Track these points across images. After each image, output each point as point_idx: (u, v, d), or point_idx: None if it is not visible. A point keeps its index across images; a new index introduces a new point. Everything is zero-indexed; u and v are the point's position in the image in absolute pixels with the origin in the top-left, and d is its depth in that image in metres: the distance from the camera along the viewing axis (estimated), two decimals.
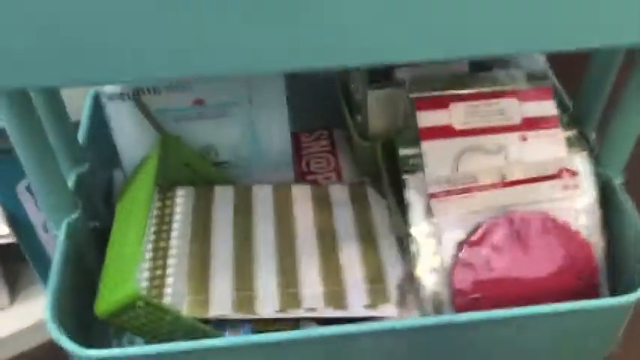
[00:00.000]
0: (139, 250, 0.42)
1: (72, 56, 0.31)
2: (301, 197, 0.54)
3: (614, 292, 0.49)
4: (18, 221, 0.82)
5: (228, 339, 0.41)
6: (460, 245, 0.48)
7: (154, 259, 0.48)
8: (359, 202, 0.55)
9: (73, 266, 0.47)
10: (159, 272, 0.48)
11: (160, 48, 0.32)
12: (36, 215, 0.84)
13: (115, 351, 0.40)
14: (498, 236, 0.48)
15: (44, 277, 0.91)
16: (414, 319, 0.46)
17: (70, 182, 0.50)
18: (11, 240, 0.80)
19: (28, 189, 0.81)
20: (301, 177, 0.61)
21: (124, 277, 0.41)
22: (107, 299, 0.42)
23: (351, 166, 0.62)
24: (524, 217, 0.48)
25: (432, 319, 0.43)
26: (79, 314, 0.48)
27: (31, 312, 0.93)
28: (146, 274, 0.47)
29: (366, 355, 0.44)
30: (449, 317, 0.44)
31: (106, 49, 0.31)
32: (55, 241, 0.47)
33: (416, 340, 0.44)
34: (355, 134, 0.58)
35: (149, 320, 0.43)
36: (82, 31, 0.31)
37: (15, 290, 0.93)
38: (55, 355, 0.92)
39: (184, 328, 0.43)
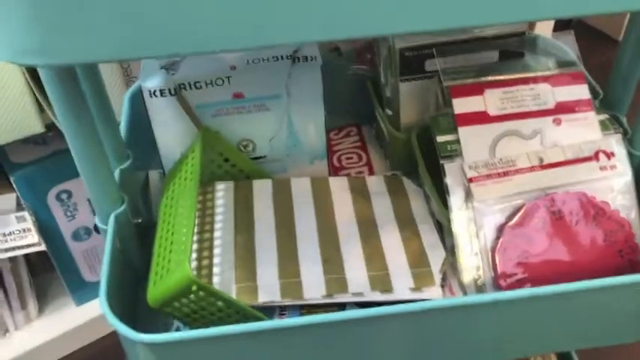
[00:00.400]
0: (189, 239, 0.43)
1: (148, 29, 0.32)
2: (339, 188, 0.55)
3: None
4: (48, 230, 0.83)
5: (284, 321, 0.42)
6: (501, 228, 0.49)
7: (199, 250, 0.49)
8: (396, 192, 0.55)
9: (120, 260, 0.48)
10: (205, 262, 0.48)
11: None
12: (65, 225, 0.85)
13: (171, 335, 0.41)
14: (538, 218, 0.48)
15: (72, 287, 0.92)
16: (459, 297, 0.46)
17: (115, 177, 0.51)
18: (41, 248, 0.81)
19: (59, 198, 0.83)
20: (334, 172, 0.62)
21: (177, 263, 0.42)
22: (160, 286, 0.43)
23: (382, 161, 0.63)
24: (564, 199, 0.49)
25: (475, 297, 0.44)
26: (126, 308, 0.49)
27: (59, 323, 0.93)
28: (193, 264, 0.48)
29: (410, 335, 0.45)
30: (493, 295, 0.44)
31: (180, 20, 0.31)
32: (104, 236, 0.48)
33: (459, 319, 0.44)
34: (389, 126, 0.59)
35: (200, 307, 0.44)
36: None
37: (43, 302, 0.94)
38: None
39: (236, 313, 0.44)
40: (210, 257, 0.48)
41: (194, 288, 0.41)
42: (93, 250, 0.89)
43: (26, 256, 0.91)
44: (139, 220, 0.53)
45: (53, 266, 0.89)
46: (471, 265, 0.49)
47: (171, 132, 0.53)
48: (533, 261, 0.47)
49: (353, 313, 0.41)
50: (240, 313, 0.44)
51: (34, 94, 0.68)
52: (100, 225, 0.48)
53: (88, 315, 0.94)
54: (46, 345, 0.91)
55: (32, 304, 0.92)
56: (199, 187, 0.54)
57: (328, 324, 0.41)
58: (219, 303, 0.43)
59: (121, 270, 0.48)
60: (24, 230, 0.79)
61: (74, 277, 0.91)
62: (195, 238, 0.50)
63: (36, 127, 0.69)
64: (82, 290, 0.93)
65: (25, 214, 0.79)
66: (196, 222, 0.51)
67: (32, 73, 0.66)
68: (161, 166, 0.56)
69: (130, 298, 0.51)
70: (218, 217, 0.51)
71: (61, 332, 0.92)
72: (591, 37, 0.50)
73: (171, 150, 0.54)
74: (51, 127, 0.73)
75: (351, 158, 0.64)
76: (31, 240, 0.80)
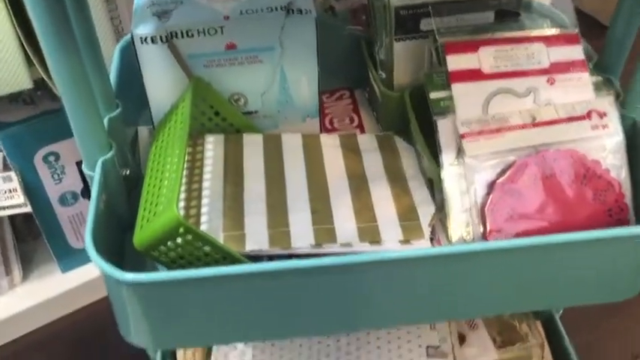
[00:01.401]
0: (178, 184, 0.42)
1: None
2: (330, 145, 0.55)
3: None
4: (34, 193, 0.82)
5: (273, 264, 0.41)
6: (491, 185, 0.48)
7: (187, 199, 0.49)
8: (387, 149, 0.55)
9: (106, 210, 0.47)
10: (193, 211, 0.48)
11: None
12: (52, 188, 0.84)
13: (159, 275, 0.40)
14: (529, 175, 0.48)
15: (58, 253, 0.91)
16: (444, 247, 0.46)
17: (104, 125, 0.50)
18: (27, 210, 0.80)
19: (46, 160, 0.82)
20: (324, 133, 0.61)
21: (165, 205, 0.42)
22: (147, 228, 0.42)
23: (374, 124, 0.63)
24: (555, 156, 0.48)
25: (462, 247, 0.44)
26: (111, 256, 0.48)
27: (44, 290, 0.93)
28: (181, 213, 0.47)
29: (399, 283, 0.44)
30: (478, 245, 0.44)
31: None
32: (90, 183, 0.47)
33: (444, 269, 0.44)
34: (381, 86, 0.58)
35: (186, 252, 0.43)
36: None
37: (28, 268, 0.93)
38: (66, 331, 0.92)
39: (222, 259, 0.43)
40: (199, 206, 0.48)
41: (181, 230, 0.41)
42: (79, 215, 0.89)
43: (12, 221, 0.91)
44: (127, 172, 0.53)
45: (39, 232, 0.89)
46: (461, 221, 0.48)
47: (161, 81, 0.53)
48: (523, 218, 0.47)
49: (339, 259, 0.41)
50: (227, 259, 0.43)
51: (24, 49, 0.67)
52: (86, 171, 0.48)
53: (74, 282, 0.93)
54: (29, 311, 0.90)
55: (17, 270, 0.91)
56: (189, 139, 0.53)
57: (315, 269, 0.41)
58: (206, 248, 0.43)
59: (107, 219, 0.47)
60: (10, 191, 0.78)
61: (60, 243, 0.90)
62: (183, 188, 0.49)
63: (24, 82, 0.68)
64: (68, 257, 0.92)
65: (12, 174, 0.78)
66: (185, 173, 0.51)
67: (22, 25, 0.65)
68: (150, 117, 0.55)
69: (115, 247, 0.50)
70: (207, 169, 0.51)
71: (45, 298, 0.91)
72: (582, 24, 0.51)
73: (161, 100, 0.54)
74: (40, 85, 0.72)
75: (343, 121, 0.64)
76: (16, 201, 0.79)
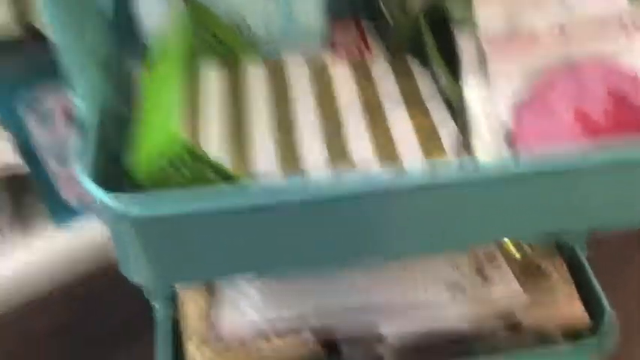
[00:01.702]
0: (176, 106, 0.38)
1: None
2: (340, 72, 0.50)
3: None
4: (22, 144, 0.78)
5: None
6: (518, 104, 0.44)
7: (187, 131, 0.44)
8: (401, 73, 0.51)
9: (98, 140, 0.43)
10: (194, 138, 0.44)
11: None
12: (41, 138, 0.80)
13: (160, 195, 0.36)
14: (560, 91, 0.44)
15: (53, 211, 0.87)
16: (470, 167, 0.42)
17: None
18: (21, 171, 0.76)
19: (32, 107, 0.77)
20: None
21: (164, 131, 0.38)
22: (144, 158, 0.38)
23: (385, 52, 0.58)
24: (587, 70, 0.44)
25: (491, 167, 0.40)
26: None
27: (37, 247, 0.89)
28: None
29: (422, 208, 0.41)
30: (512, 165, 0.40)
31: None
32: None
33: (470, 192, 0.40)
34: (395, 9, 0.54)
35: (189, 183, 0.39)
36: None
37: (20, 224, 0.90)
38: (62, 294, 0.89)
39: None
40: (197, 132, 0.44)
41: (181, 152, 0.37)
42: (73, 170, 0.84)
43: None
44: (122, 110, 0.49)
45: (32, 187, 0.85)
46: (486, 143, 0.44)
47: (155, 6, 0.48)
48: (553, 133, 0.43)
49: (360, 184, 0.37)
50: None
51: None
52: (76, 101, 0.43)
53: (70, 239, 0.90)
54: (22, 269, 0.87)
55: (7, 226, 0.87)
56: (187, 68, 0.49)
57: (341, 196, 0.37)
58: (210, 174, 0.39)
59: (99, 152, 0.43)
60: None
61: (52, 197, 0.86)
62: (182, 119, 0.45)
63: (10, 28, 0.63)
64: (62, 213, 0.88)
65: None
66: (184, 102, 0.46)
67: None
68: (144, 48, 0.51)
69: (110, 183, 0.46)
70: (206, 95, 0.46)
71: (39, 257, 0.88)
72: None
73: (155, 27, 0.49)
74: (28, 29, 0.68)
75: (351, 51, 0.59)
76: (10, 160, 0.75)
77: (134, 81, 0.55)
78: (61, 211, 0.87)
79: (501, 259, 0.59)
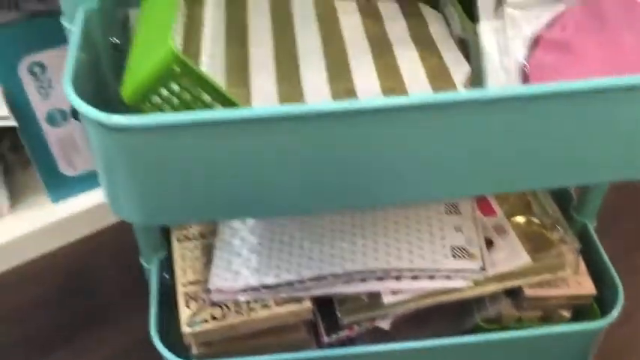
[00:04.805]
0: (170, 23, 0.36)
1: None
2: (346, 9, 0.48)
3: None
4: (19, 107, 0.76)
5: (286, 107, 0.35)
6: (535, 40, 0.42)
7: (184, 46, 0.42)
8: (412, 15, 0.49)
9: (89, 66, 0.41)
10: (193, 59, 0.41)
11: None
12: (39, 104, 0.78)
13: (151, 118, 0.34)
14: (578, 24, 0.42)
15: (48, 180, 0.85)
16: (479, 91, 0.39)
17: None
18: (11, 123, 0.74)
19: (31, 71, 0.75)
20: None
21: (159, 43, 0.35)
22: (138, 73, 0.36)
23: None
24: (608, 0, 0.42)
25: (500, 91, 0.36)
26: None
27: (33, 220, 0.87)
28: None
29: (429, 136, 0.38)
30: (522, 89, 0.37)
31: None
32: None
33: (479, 118, 0.37)
34: None
35: (182, 102, 0.37)
36: None
37: (16, 197, 0.87)
38: (58, 263, 0.87)
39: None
40: (197, 64, 0.42)
41: (177, 68, 0.35)
42: (70, 138, 0.82)
43: None
44: (116, 41, 0.46)
45: (28, 162, 0.83)
46: (501, 82, 0.42)
47: None
48: (571, 66, 0.41)
49: (366, 102, 0.34)
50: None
51: None
52: (65, 24, 0.41)
53: (65, 212, 0.87)
54: (17, 242, 0.85)
55: (4, 198, 0.85)
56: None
57: (339, 114, 0.34)
58: (205, 96, 0.36)
59: (89, 78, 0.41)
60: None
61: (50, 169, 0.83)
62: (180, 49, 0.43)
63: None
64: (59, 186, 0.86)
65: None
66: (182, 34, 0.44)
67: None
68: None
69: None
70: (206, 29, 0.44)
71: (34, 229, 0.86)
72: None
73: None
74: None
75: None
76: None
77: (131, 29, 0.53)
78: (58, 184, 0.85)
79: (510, 230, 0.57)
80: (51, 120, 0.80)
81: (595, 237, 0.61)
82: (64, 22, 0.41)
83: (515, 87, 0.40)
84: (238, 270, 0.54)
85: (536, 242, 0.58)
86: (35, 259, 0.87)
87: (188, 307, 0.53)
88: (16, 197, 0.88)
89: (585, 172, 0.42)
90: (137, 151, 0.35)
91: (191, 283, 0.56)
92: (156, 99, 0.37)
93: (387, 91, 0.41)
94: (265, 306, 0.53)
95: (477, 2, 0.42)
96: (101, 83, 0.44)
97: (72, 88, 0.35)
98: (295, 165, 0.37)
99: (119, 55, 0.46)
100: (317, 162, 0.37)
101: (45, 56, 0.75)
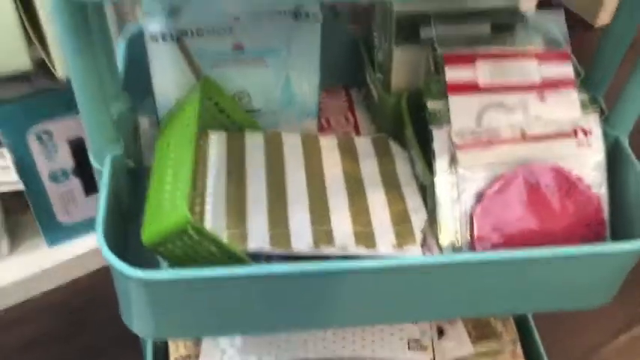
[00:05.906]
0: (187, 183, 0.44)
1: None
2: (328, 146, 0.57)
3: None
4: (25, 169, 0.82)
5: (296, 266, 0.44)
6: (481, 194, 0.51)
7: (191, 197, 0.50)
8: (382, 154, 0.57)
9: (112, 200, 0.49)
10: (197, 209, 0.50)
11: None
12: (44, 165, 0.84)
13: (167, 273, 0.43)
14: (516, 187, 0.51)
15: (45, 228, 0.92)
16: (434, 256, 0.49)
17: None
18: (19, 188, 0.81)
19: (39, 138, 0.82)
20: (321, 132, 0.63)
21: (175, 205, 0.43)
22: (155, 226, 0.44)
23: (369, 124, 0.65)
24: (541, 171, 0.51)
25: (450, 257, 0.47)
26: (116, 249, 0.50)
27: (31, 262, 0.93)
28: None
29: (391, 286, 0.47)
30: (467, 256, 0.48)
31: None
32: (98, 177, 0.49)
33: (432, 277, 0.47)
34: (380, 88, 0.60)
35: (193, 250, 0.45)
36: None
37: (15, 241, 0.94)
38: (53, 305, 0.93)
39: (227, 259, 0.45)
40: (202, 204, 0.50)
41: (189, 230, 0.43)
42: (69, 193, 0.89)
43: (1, 195, 0.91)
44: (131, 164, 0.54)
45: (28, 207, 0.89)
46: (451, 228, 0.51)
47: (169, 77, 0.54)
48: (509, 227, 0.50)
49: (343, 265, 0.44)
50: (232, 259, 0.46)
51: (24, 28, 0.67)
52: (95, 165, 0.49)
53: (60, 256, 0.94)
54: (15, 284, 0.91)
55: (4, 243, 0.92)
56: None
57: (321, 272, 0.44)
58: (212, 248, 0.45)
59: (112, 211, 0.49)
60: (2, 168, 0.79)
61: (48, 218, 0.90)
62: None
63: (24, 63, 0.68)
64: (56, 232, 0.93)
65: (5, 150, 0.79)
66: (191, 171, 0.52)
67: (23, 4, 0.65)
68: (155, 112, 0.56)
69: (119, 237, 0.52)
70: (211, 167, 0.52)
71: (31, 272, 0.92)
72: (569, 21, 0.54)
73: (167, 97, 0.55)
74: (37, 63, 0.72)
75: (339, 119, 0.66)
76: (9, 178, 0.79)
77: (142, 135, 0.61)
78: (54, 230, 0.92)
79: (459, 320, 0.66)
80: (53, 178, 0.87)
81: (533, 325, 0.72)
82: (94, 163, 0.49)
83: (454, 256, 0.50)
84: (225, 349, 0.63)
85: (479, 329, 0.67)
86: (32, 299, 0.94)
87: None
88: (14, 241, 0.94)
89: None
90: (155, 295, 0.44)
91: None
92: (169, 246, 0.45)
93: (357, 234, 0.49)
94: None
95: (435, 160, 0.51)
96: (118, 205, 0.52)
97: (104, 240, 0.43)
98: (280, 301, 0.46)
99: (133, 172, 0.55)
100: (295, 299, 0.46)
101: (52, 124, 0.82)
